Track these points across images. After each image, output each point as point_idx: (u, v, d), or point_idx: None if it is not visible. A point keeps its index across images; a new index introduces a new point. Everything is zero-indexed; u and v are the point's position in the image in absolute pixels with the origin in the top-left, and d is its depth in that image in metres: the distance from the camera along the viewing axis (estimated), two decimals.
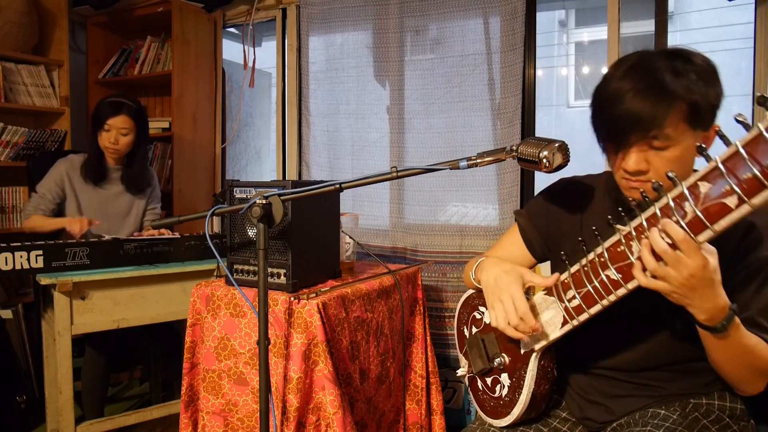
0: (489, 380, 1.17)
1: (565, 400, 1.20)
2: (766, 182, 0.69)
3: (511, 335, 1.03)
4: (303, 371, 1.35)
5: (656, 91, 0.90)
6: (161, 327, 2.13)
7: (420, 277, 1.87)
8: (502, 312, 1.03)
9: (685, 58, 0.94)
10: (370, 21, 2.53)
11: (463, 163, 1.08)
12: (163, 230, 2.12)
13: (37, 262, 1.77)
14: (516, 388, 1.09)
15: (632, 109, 0.91)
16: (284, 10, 2.85)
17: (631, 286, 0.88)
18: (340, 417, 1.34)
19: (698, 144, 0.78)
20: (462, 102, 2.35)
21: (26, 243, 1.76)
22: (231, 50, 3.17)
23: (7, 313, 2.49)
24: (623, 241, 0.88)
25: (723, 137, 0.74)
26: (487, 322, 1.20)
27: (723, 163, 0.73)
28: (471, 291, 1.30)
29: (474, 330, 1.24)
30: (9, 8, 2.57)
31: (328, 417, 1.34)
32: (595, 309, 0.95)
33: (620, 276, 0.89)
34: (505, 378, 1.12)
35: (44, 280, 1.74)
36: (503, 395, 1.12)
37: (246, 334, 1.45)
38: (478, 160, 1.07)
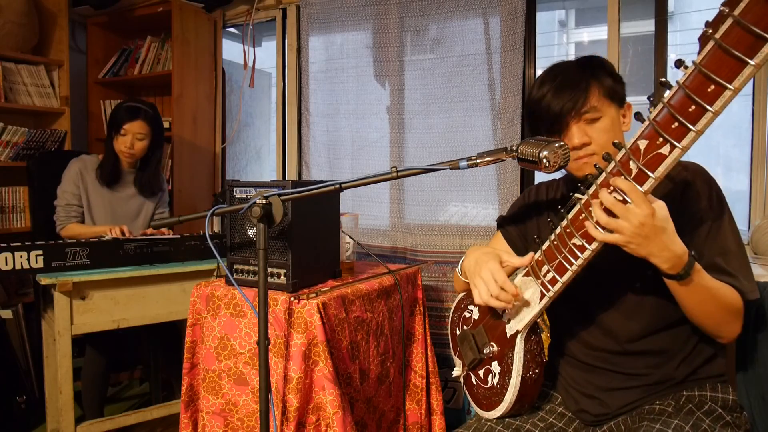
0: (481, 372, 1.20)
1: (561, 395, 1.23)
2: (689, 126, 0.80)
3: (495, 305, 1.08)
4: (303, 371, 1.35)
5: (572, 78, 1.10)
6: (161, 327, 2.13)
7: (420, 277, 1.87)
8: (483, 286, 1.08)
9: (588, 57, 1.15)
10: (370, 21, 2.53)
11: (463, 163, 1.08)
12: (162, 230, 2.13)
13: (37, 262, 1.77)
14: (506, 373, 1.12)
15: (559, 95, 1.09)
16: (284, 10, 2.85)
17: (594, 246, 0.96)
18: (340, 417, 1.34)
19: (636, 112, 0.93)
20: (462, 102, 2.35)
21: (26, 243, 1.77)
22: (231, 50, 3.17)
23: (7, 313, 2.49)
24: (583, 209, 0.97)
25: (651, 101, 0.86)
26: (476, 318, 1.24)
27: (653, 120, 0.85)
28: (461, 294, 1.34)
29: (465, 328, 1.27)
30: (9, 8, 2.57)
31: (328, 417, 1.35)
32: (567, 276, 1.01)
33: (584, 240, 0.97)
34: (495, 366, 1.16)
35: (44, 280, 1.74)
36: (495, 383, 1.15)
37: (246, 334, 1.45)
38: (478, 160, 1.08)
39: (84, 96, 3.14)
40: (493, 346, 1.16)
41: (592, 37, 6.35)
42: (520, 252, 1.31)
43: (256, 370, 1.40)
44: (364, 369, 1.56)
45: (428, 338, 1.86)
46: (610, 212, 0.90)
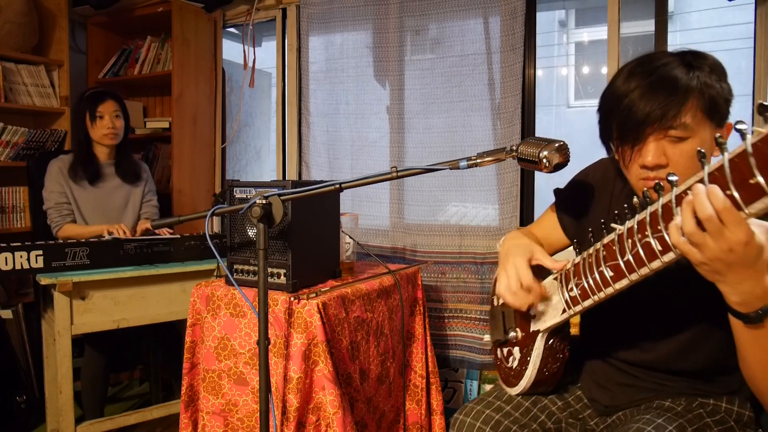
0: (505, 351, 1.23)
1: (581, 381, 1.23)
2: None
3: (511, 304, 1.07)
4: (303, 371, 1.35)
5: (671, 79, 0.90)
6: (161, 327, 2.13)
7: (420, 277, 1.87)
8: (505, 281, 1.06)
9: (695, 54, 0.95)
10: (370, 21, 2.53)
11: (463, 163, 1.08)
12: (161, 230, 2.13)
13: (37, 262, 1.77)
14: (524, 362, 1.15)
15: (649, 98, 0.91)
16: (284, 10, 2.85)
17: (618, 286, 0.89)
18: (340, 417, 1.34)
19: (717, 135, 0.70)
20: (462, 102, 2.35)
21: (26, 243, 1.76)
22: (231, 50, 3.17)
23: (7, 313, 2.49)
24: (617, 240, 0.88)
25: (741, 132, 0.67)
26: None
27: (731, 160, 0.67)
28: None
29: (500, 302, 1.27)
30: (9, 8, 2.57)
31: (328, 417, 1.35)
32: (588, 303, 0.97)
33: (612, 274, 0.89)
34: (516, 351, 1.18)
35: (44, 280, 1.74)
36: (514, 366, 1.19)
37: (246, 334, 1.45)
38: (478, 160, 1.08)
39: None
40: (517, 332, 1.17)
41: (592, 37, 6.35)
42: (569, 233, 1.23)
43: (256, 370, 1.40)
44: (364, 369, 1.56)
45: (428, 338, 1.86)
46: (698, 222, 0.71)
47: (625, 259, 0.85)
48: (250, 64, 2.95)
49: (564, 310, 1.03)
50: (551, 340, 1.11)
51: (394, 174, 1.11)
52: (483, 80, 2.31)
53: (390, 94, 2.52)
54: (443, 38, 2.40)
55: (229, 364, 1.47)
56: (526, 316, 1.15)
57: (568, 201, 1.24)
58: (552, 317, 1.07)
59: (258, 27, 3.01)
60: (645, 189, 0.83)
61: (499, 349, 1.26)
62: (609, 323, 1.13)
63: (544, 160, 0.99)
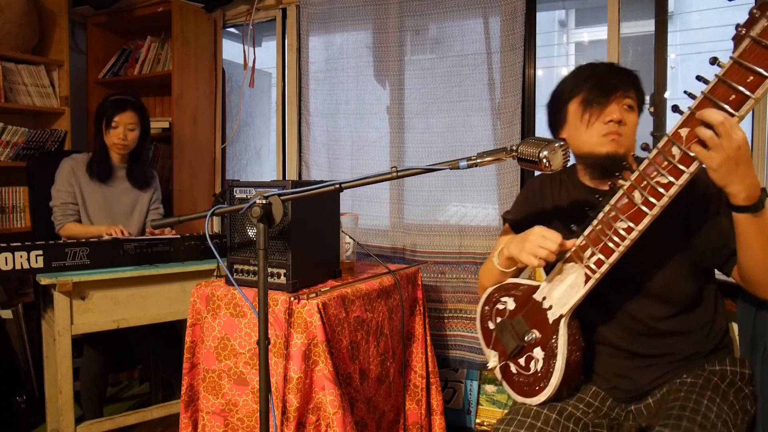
0: (522, 360, 1.21)
1: (593, 380, 1.28)
2: (733, 112, 0.91)
3: (545, 248, 1.12)
4: (303, 371, 1.35)
5: (623, 70, 1.22)
6: (161, 327, 2.13)
7: (420, 277, 1.87)
8: (534, 240, 1.14)
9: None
10: (369, 21, 2.53)
11: (463, 163, 1.08)
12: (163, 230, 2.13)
13: (37, 262, 1.77)
14: (550, 357, 1.15)
15: (612, 74, 1.21)
16: (284, 10, 2.85)
17: (641, 227, 1.01)
18: (340, 417, 1.34)
19: (673, 105, 0.98)
20: (462, 102, 2.35)
21: (26, 243, 1.76)
22: (231, 50, 3.17)
23: (7, 313, 2.49)
24: (627, 193, 1.03)
25: (689, 95, 0.97)
26: (512, 308, 1.27)
27: (694, 109, 0.94)
28: (491, 289, 1.34)
29: (499, 319, 1.29)
30: (9, 8, 2.57)
31: (328, 417, 1.35)
32: (614, 257, 1.06)
33: (631, 222, 1.02)
34: (538, 352, 1.18)
35: (44, 280, 1.74)
36: (538, 369, 1.17)
37: (246, 334, 1.45)
38: (478, 160, 1.08)
39: (84, 96, 3.14)
40: (535, 333, 1.18)
41: (592, 37, 6.35)
42: None
43: (256, 370, 1.40)
44: (364, 369, 1.56)
45: (428, 338, 1.86)
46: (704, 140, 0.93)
47: (642, 199, 1.00)
48: (250, 64, 2.95)
49: (586, 281, 1.10)
50: (571, 328, 1.15)
51: (394, 174, 1.12)
52: (483, 80, 2.31)
53: (390, 94, 2.52)
54: (443, 38, 2.40)
55: (229, 364, 1.47)
56: (539, 314, 1.18)
57: (523, 216, 1.39)
58: (574, 296, 1.12)
59: (258, 27, 3.01)
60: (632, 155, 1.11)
61: (512, 364, 1.23)
62: (598, 310, 1.23)
63: (544, 160, 0.99)
